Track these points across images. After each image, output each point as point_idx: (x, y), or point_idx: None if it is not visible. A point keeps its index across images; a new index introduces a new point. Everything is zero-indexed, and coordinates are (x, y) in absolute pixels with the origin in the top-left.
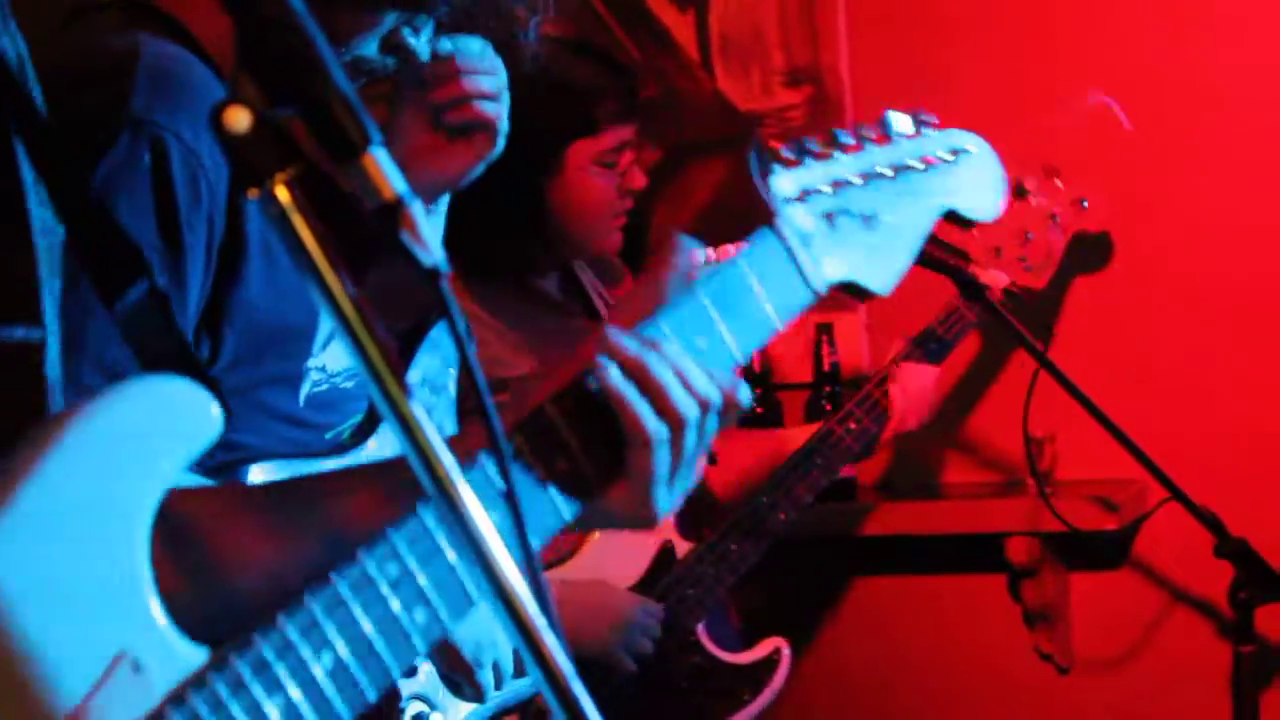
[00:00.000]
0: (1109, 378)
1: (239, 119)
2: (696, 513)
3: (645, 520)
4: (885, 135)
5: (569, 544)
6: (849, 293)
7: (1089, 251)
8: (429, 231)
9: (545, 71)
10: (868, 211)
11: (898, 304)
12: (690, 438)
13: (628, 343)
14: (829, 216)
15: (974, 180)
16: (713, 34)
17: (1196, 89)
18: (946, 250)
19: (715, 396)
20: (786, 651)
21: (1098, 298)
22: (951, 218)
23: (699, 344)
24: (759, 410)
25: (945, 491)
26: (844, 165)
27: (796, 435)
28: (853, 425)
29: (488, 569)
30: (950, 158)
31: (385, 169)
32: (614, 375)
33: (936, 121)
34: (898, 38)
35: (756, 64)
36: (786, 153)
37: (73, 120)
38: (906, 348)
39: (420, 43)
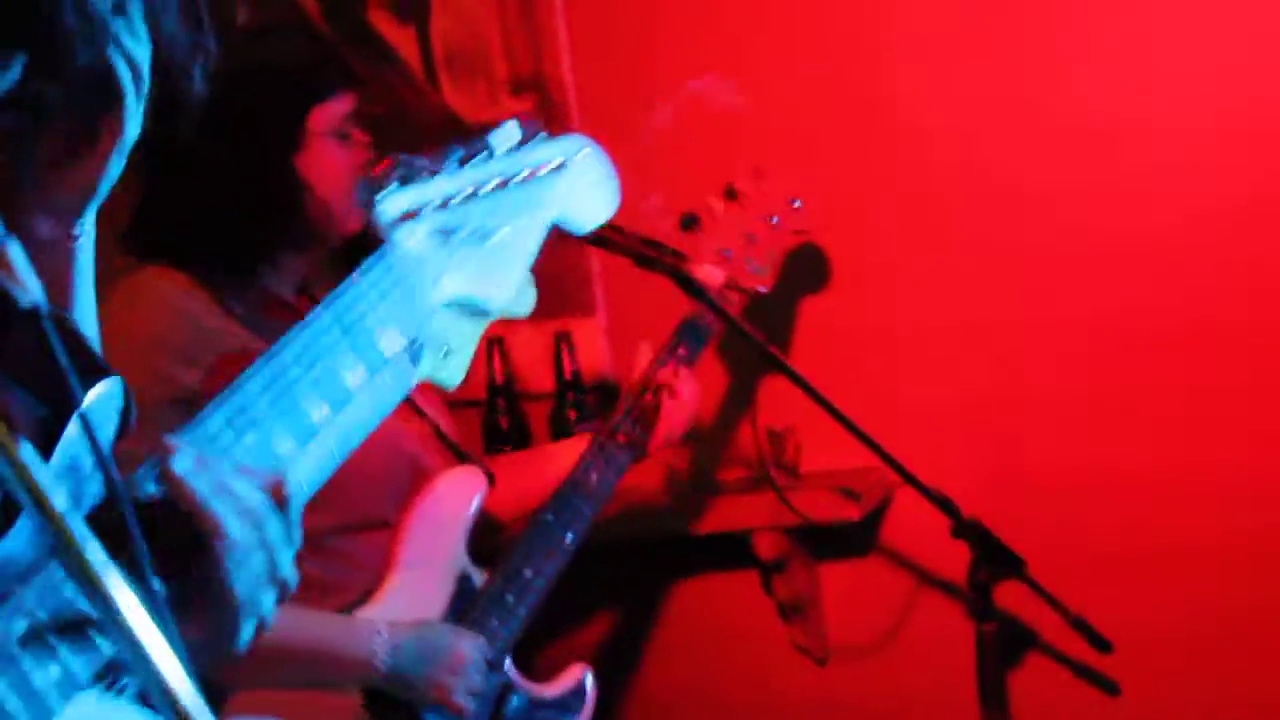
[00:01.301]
0: (842, 365)
1: None
2: (486, 540)
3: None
4: (496, 148)
5: (362, 587)
6: (468, 310)
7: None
8: (26, 269)
9: (262, 51)
10: (480, 226)
11: (636, 308)
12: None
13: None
14: (442, 233)
15: (582, 187)
16: (435, 47)
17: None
18: (662, 250)
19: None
20: (590, 678)
21: (823, 294)
22: (563, 225)
23: (315, 373)
24: (503, 422)
25: (697, 490)
26: (455, 181)
27: (566, 450)
28: (621, 439)
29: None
30: (557, 166)
31: None
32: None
33: (544, 132)
34: (618, 42)
35: (481, 74)
36: (400, 171)
37: None
38: (662, 352)
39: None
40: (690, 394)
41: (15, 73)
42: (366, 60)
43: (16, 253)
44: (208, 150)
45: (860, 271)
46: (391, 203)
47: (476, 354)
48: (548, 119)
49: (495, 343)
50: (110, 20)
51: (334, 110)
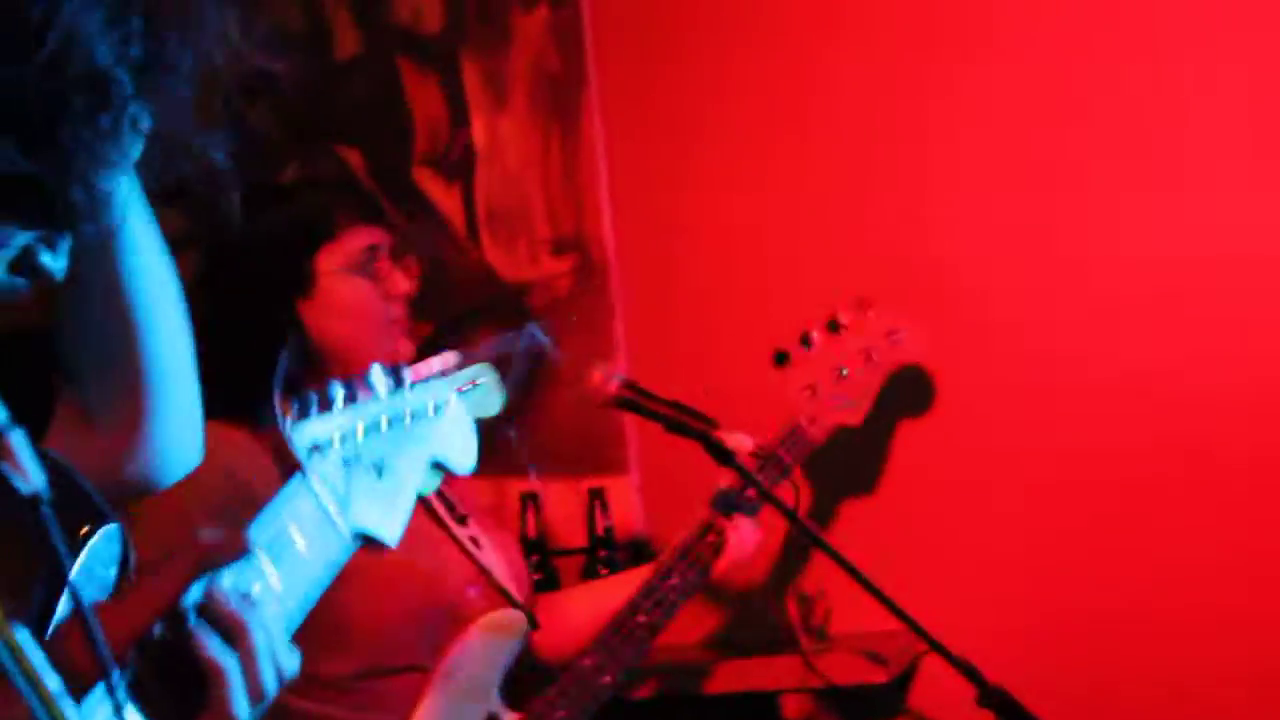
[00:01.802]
0: (871, 531)
1: None
2: (521, 680)
3: None
4: (374, 388)
5: None
6: (368, 543)
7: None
8: (28, 458)
9: (275, 202)
10: (375, 461)
11: (670, 466)
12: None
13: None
14: (347, 464)
15: (451, 432)
16: (479, 206)
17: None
18: (692, 416)
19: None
20: None
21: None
22: (438, 467)
23: (254, 591)
24: (538, 576)
25: (725, 648)
26: (346, 418)
27: (617, 589)
28: (674, 581)
29: None
30: (432, 410)
31: None
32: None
33: (417, 375)
34: (658, 203)
35: (523, 234)
36: (293, 410)
37: None
38: (717, 501)
39: (58, 262)
40: (749, 539)
41: (14, 250)
42: (410, 216)
43: (19, 440)
44: (222, 305)
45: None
46: (303, 433)
47: (511, 508)
48: (588, 278)
49: (529, 499)
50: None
51: (346, 247)
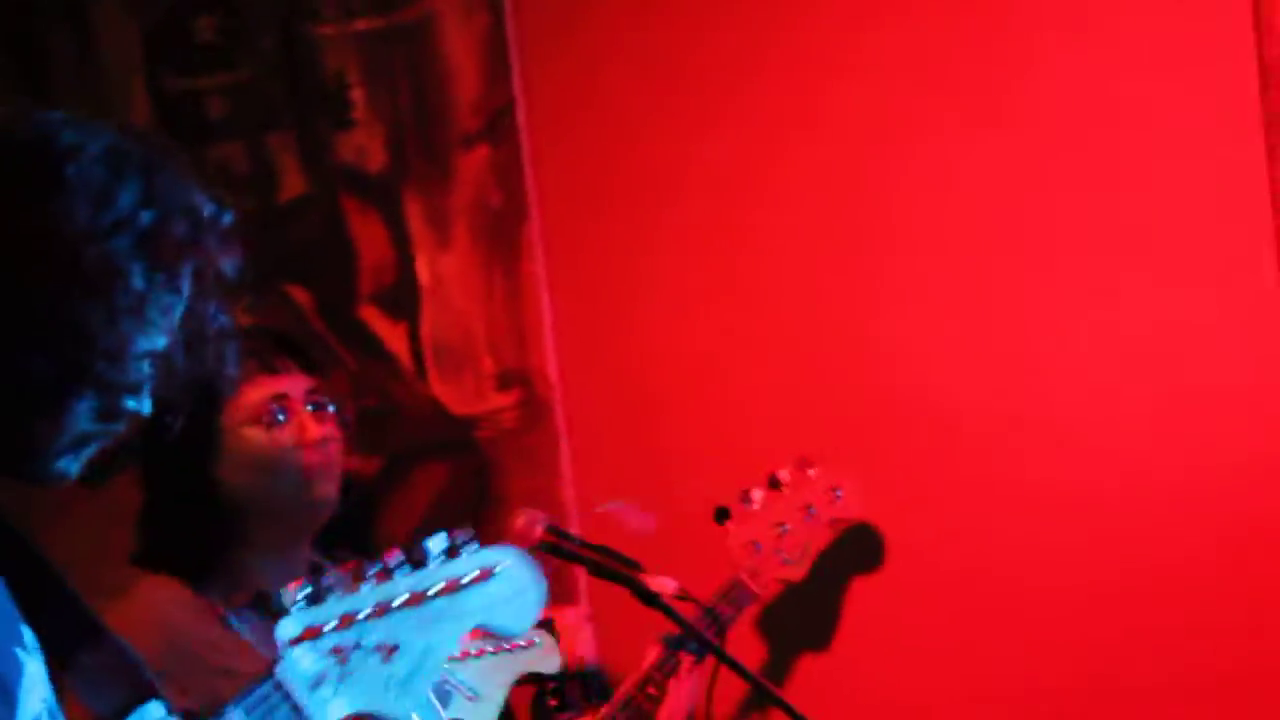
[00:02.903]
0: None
1: None
2: None
3: None
4: (419, 560)
5: None
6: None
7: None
8: None
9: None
10: (388, 641)
11: (620, 596)
12: None
13: None
14: (339, 651)
15: (506, 595)
16: (425, 342)
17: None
18: (618, 560)
19: None
20: None
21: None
22: (487, 632)
23: None
24: None
25: None
26: (364, 597)
27: None
28: None
29: None
30: (481, 577)
31: None
32: None
33: (472, 541)
34: (603, 337)
35: (469, 369)
36: (304, 591)
37: None
38: (666, 650)
39: (144, 406)
40: (689, 691)
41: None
42: (357, 354)
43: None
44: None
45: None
46: (291, 624)
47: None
48: (533, 412)
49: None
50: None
51: (248, 400)
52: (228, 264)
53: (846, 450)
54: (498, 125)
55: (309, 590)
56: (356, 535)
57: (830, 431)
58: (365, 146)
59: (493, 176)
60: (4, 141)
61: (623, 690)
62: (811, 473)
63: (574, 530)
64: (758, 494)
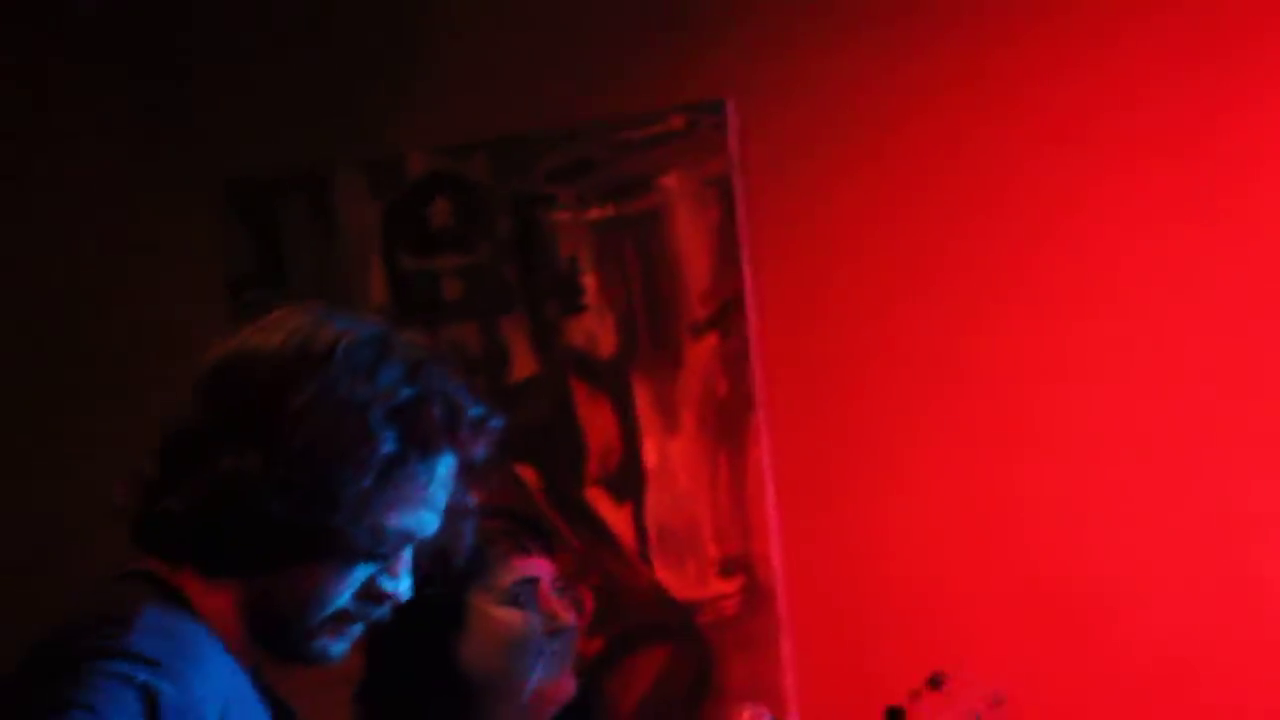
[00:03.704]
0: None
1: None
2: None
3: None
4: None
5: None
6: None
7: None
8: None
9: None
10: None
11: None
12: None
13: None
14: None
15: None
16: (649, 526)
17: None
18: None
19: None
20: None
21: None
22: None
23: None
24: None
25: None
26: None
27: None
28: None
29: None
30: None
31: None
32: None
33: None
34: (827, 526)
35: (691, 554)
36: None
37: None
38: None
39: (402, 586)
40: None
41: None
42: (582, 536)
43: None
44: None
45: None
46: None
47: None
48: (755, 599)
49: None
50: None
51: (500, 582)
52: (479, 455)
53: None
54: (726, 315)
55: None
56: (576, 716)
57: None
58: (595, 331)
59: (720, 365)
60: (290, 327)
61: None
62: (974, 679)
63: None
64: (924, 693)
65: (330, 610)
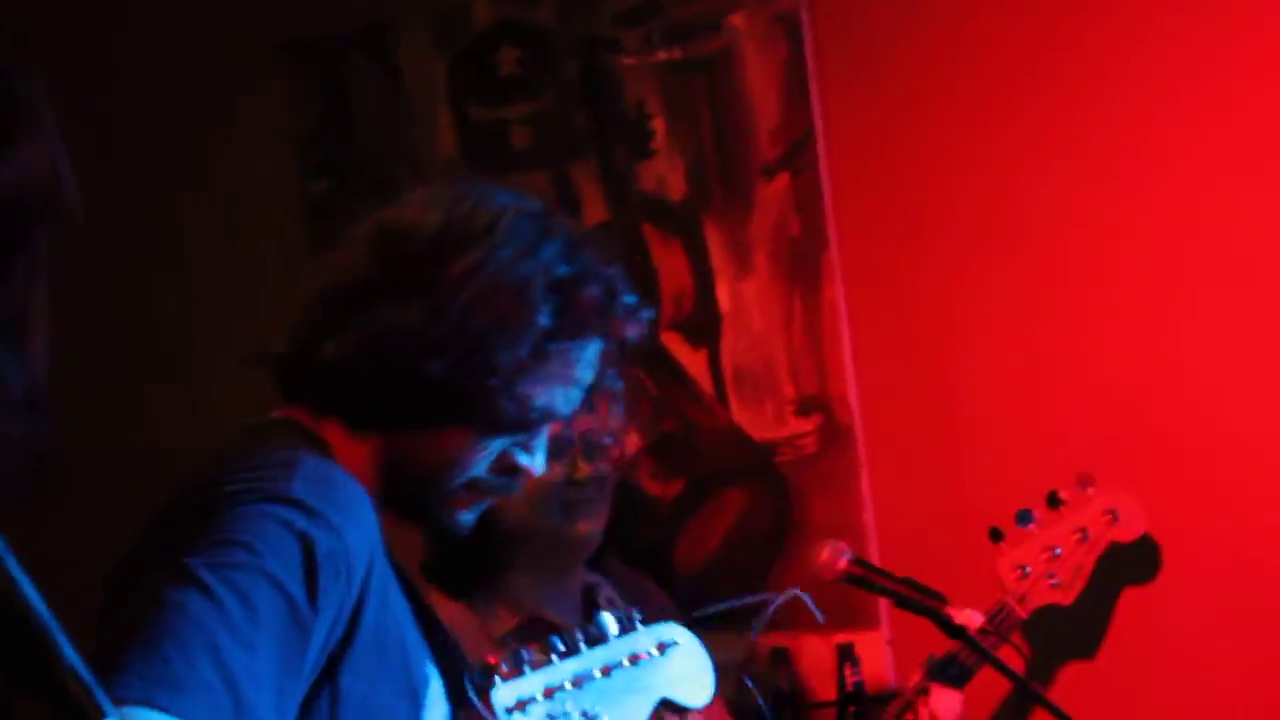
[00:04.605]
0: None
1: None
2: None
3: None
4: (599, 636)
5: None
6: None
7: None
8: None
9: None
10: (588, 711)
11: (923, 619)
12: None
13: None
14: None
15: (684, 670)
16: (725, 367)
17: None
18: (921, 593)
19: None
20: None
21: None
22: (668, 705)
23: None
24: None
25: None
26: (559, 671)
27: None
28: None
29: None
30: (657, 651)
31: None
32: None
33: (642, 619)
34: (902, 363)
35: (768, 395)
36: (504, 665)
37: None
38: (926, 674)
39: (537, 462)
40: (948, 716)
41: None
42: (660, 380)
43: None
44: None
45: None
46: (502, 694)
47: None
48: (833, 438)
49: (780, 653)
50: None
51: None
52: (632, 336)
53: (1131, 469)
54: (797, 154)
55: (510, 663)
56: (657, 558)
57: (1118, 450)
58: (665, 176)
59: (792, 204)
60: (455, 197)
61: (883, 716)
62: (1090, 492)
63: (873, 556)
64: (1034, 514)
65: (466, 477)
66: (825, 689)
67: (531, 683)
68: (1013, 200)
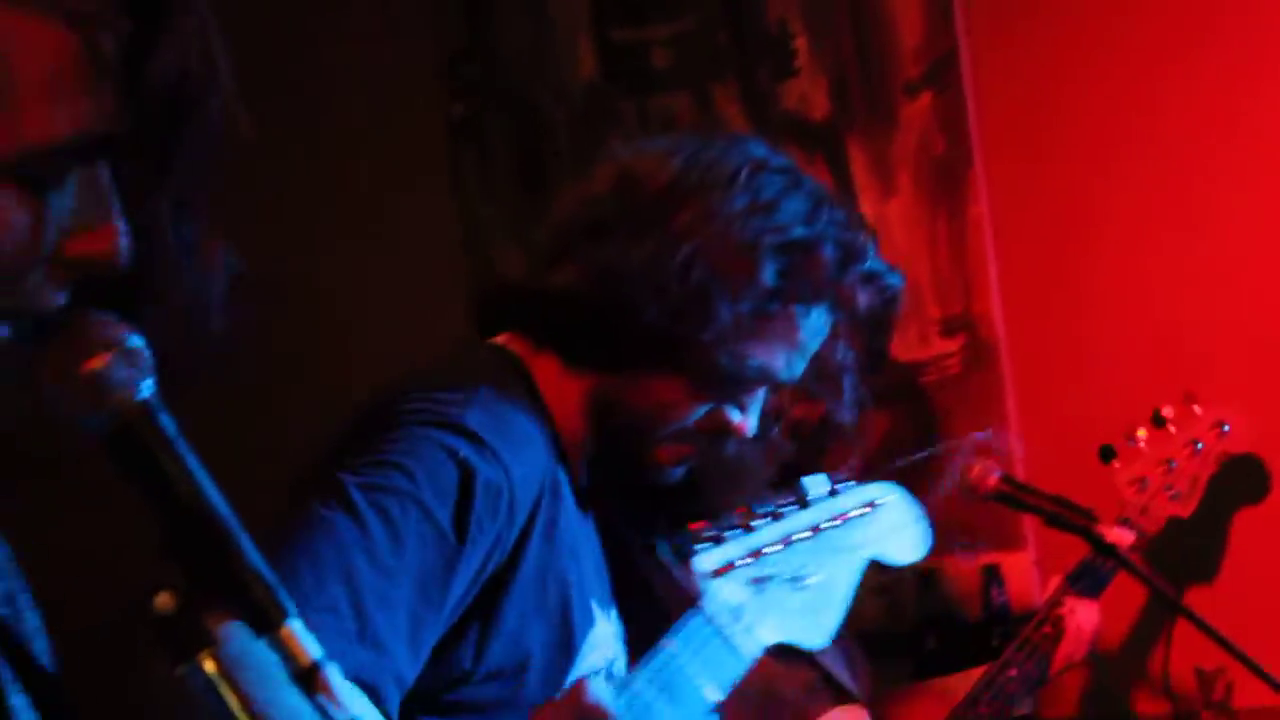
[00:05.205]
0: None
1: (164, 601)
2: None
3: None
4: (803, 499)
5: None
6: (787, 653)
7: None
8: (346, 693)
9: None
10: (794, 573)
11: (1069, 540)
12: None
13: None
14: (757, 583)
15: (893, 527)
16: None
17: None
18: (1071, 510)
19: None
20: None
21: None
22: (878, 565)
23: None
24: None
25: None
26: (764, 534)
27: (958, 685)
28: (1013, 673)
29: None
30: (866, 510)
31: (301, 638)
32: None
33: (850, 479)
34: (1047, 282)
35: (913, 316)
36: (708, 531)
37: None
38: (1063, 586)
39: (750, 422)
40: (1087, 626)
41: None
42: None
43: (335, 676)
44: None
45: None
46: (705, 559)
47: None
48: (978, 357)
49: (926, 574)
50: None
51: None
52: (864, 308)
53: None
54: (940, 72)
55: (713, 532)
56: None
57: (1249, 367)
58: (808, 95)
59: (936, 123)
60: (703, 142)
61: (1020, 632)
62: (1197, 409)
63: (1019, 475)
64: (1142, 432)
65: (676, 427)
66: (969, 611)
67: (736, 547)
68: (1157, 114)
